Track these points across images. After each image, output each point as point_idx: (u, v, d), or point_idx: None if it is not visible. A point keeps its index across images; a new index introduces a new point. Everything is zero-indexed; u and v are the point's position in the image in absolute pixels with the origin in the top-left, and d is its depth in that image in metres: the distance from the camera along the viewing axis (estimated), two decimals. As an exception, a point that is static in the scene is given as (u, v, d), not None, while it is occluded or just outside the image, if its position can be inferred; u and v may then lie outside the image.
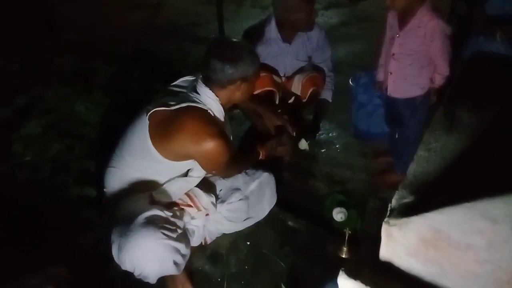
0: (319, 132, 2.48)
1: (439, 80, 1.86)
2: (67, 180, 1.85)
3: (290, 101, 2.42)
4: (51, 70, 2.62)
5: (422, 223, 0.66)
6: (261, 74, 2.25)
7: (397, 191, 0.72)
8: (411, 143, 1.89)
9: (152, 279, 1.51)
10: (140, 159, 1.57)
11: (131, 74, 2.75)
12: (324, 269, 1.64)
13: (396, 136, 2.10)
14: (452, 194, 0.67)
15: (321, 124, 2.45)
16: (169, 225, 1.50)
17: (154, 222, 1.46)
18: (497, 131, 0.80)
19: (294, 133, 2.04)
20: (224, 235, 1.84)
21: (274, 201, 1.92)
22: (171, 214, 1.56)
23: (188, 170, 1.67)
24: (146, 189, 1.61)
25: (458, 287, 0.67)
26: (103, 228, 1.61)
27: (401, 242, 0.70)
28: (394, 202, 0.72)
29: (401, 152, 2.07)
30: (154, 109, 1.53)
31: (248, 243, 1.83)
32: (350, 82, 2.45)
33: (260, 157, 1.91)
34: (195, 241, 1.72)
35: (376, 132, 2.36)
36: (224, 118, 1.66)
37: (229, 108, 1.74)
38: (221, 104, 1.60)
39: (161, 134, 1.52)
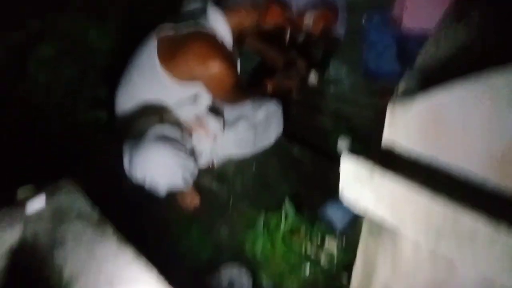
0: (329, 70, 2.47)
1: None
2: (79, 104, 1.90)
3: (301, 37, 2.39)
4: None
5: (425, 103, 0.69)
6: (272, 8, 2.22)
7: (405, 74, 0.74)
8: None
9: (162, 192, 1.59)
10: (148, 79, 1.60)
11: (146, 4, 2.69)
12: (326, 194, 1.71)
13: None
14: (457, 73, 0.69)
15: (330, 61, 2.44)
16: (177, 143, 1.56)
17: (163, 138, 1.52)
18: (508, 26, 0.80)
19: (304, 66, 2.04)
20: (230, 160, 1.90)
21: (280, 130, 1.96)
22: (180, 133, 1.62)
23: (196, 96, 1.70)
24: (156, 111, 1.65)
25: (455, 165, 0.70)
26: (115, 148, 1.67)
27: (403, 124, 0.73)
28: (400, 85, 0.74)
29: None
30: (163, 33, 1.54)
31: (254, 168, 1.90)
32: (363, 21, 2.41)
33: (268, 90, 1.93)
34: (202, 163, 1.79)
35: (385, 71, 2.35)
36: (232, 47, 1.67)
37: (237, 44, 1.73)
38: (230, 31, 1.60)
39: (169, 57, 1.55)
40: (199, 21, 1.58)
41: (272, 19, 2.22)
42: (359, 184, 0.79)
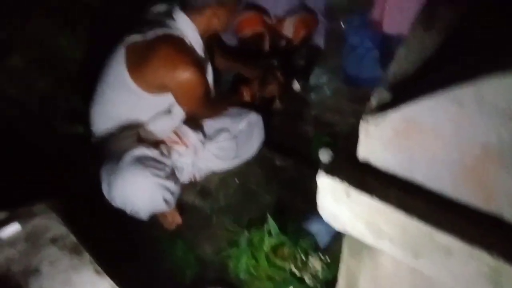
0: (311, 77, 2.46)
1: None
2: (55, 117, 1.85)
3: (281, 44, 2.39)
4: (30, 2, 2.45)
5: (396, 116, 0.68)
6: (250, 14, 2.21)
7: (376, 90, 0.74)
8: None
9: (144, 216, 1.55)
10: (119, 93, 1.56)
11: (114, 8, 2.61)
12: (309, 203, 1.69)
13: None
14: (426, 87, 0.68)
15: (312, 69, 2.43)
16: (156, 164, 1.52)
17: (141, 161, 1.47)
18: (475, 26, 0.79)
19: (281, 74, 2.02)
20: (213, 173, 1.88)
21: (262, 140, 1.94)
22: (158, 152, 1.57)
23: (170, 108, 1.65)
24: (132, 127, 1.60)
25: (428, 178, 0.70)
26: (94, 164, 1.63)
27: (377, 138, 0.72)
28: (372, 101, 0.73)
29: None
30: (130, 40, 1.50)
31: (237, 180, 1.87)
32: (342, 24, 2.41)
33: (245, 98, 1.89)
34: (184, 178, 1.75)
35: (366, 77, 2.35)
36: (204, 52, 1.62)
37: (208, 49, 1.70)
38: (199, 34, 1.57)
39: (137, 65, 1.49)
40: (165, 23, 1.52)
41: (250, 27, 2.22)
42: (336, 202, 0.77)
